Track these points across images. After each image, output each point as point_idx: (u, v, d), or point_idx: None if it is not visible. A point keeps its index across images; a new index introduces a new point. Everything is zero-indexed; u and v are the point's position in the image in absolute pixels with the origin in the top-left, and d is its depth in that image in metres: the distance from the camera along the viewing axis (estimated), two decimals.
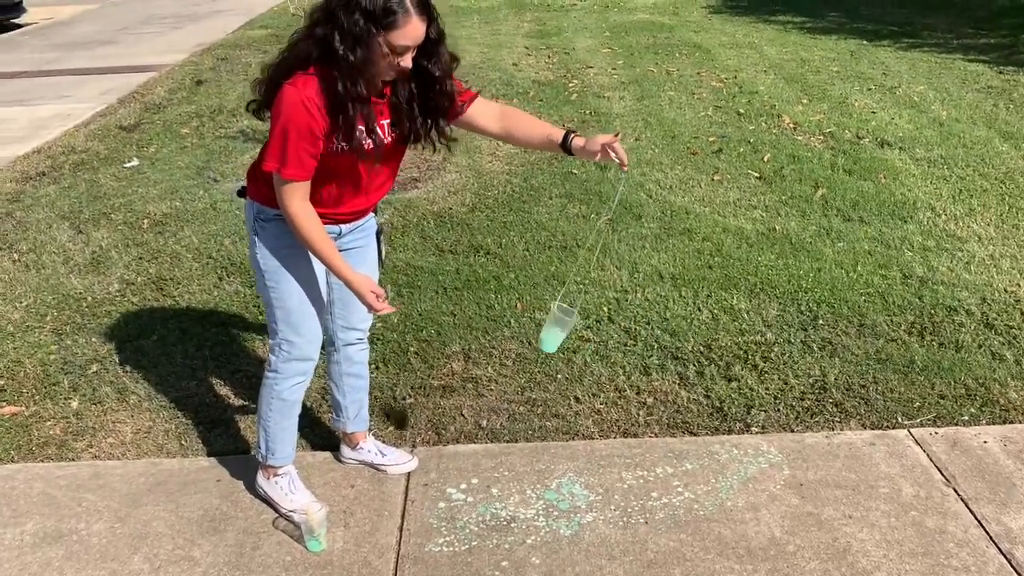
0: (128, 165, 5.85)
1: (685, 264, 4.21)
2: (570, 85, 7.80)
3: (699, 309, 3.79)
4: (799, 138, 6.04)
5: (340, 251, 2.40)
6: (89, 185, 5.50)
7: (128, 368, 3.46)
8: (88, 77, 9.06)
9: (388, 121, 2.24)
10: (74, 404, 3.24)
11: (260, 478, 2.67)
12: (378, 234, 2.59)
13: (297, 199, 2.17)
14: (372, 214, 2.54)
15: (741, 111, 6.74)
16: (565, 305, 2.52)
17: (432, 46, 2.14)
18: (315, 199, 2.23)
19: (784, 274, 4.08)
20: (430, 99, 2.25)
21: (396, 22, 1.99)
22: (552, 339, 2.47)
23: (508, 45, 9.80)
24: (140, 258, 4.44)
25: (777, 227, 4.61)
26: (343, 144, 2.15)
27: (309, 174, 2.16)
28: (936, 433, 2.95)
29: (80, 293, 4.09)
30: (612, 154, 2.27)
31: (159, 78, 8.69)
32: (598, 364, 3.39)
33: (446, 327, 3.68)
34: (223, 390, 3.31)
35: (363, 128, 2.16)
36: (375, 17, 1.98)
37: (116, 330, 3.76)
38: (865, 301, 3.83)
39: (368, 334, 2.74)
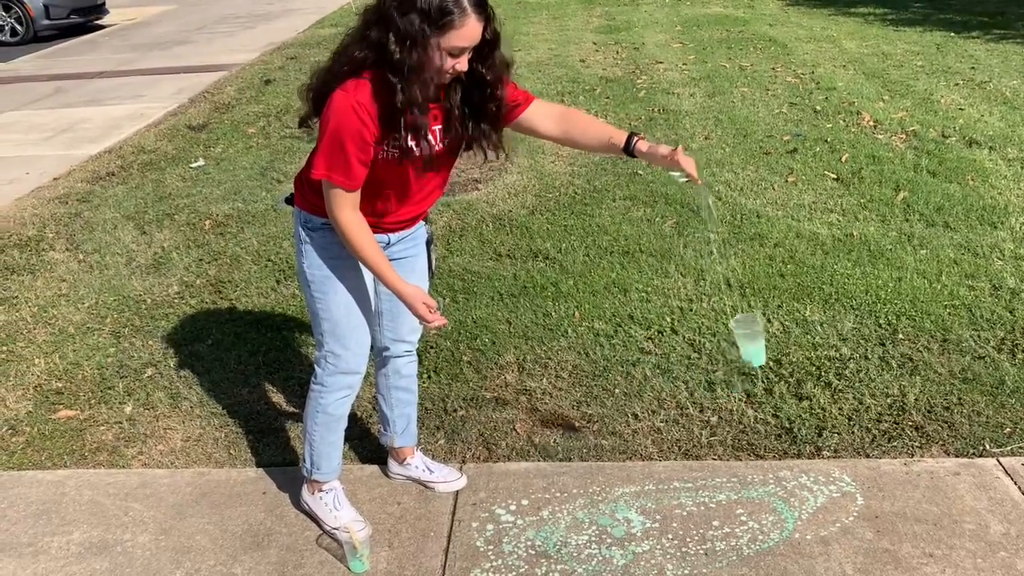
0: (194, 165, 5.90)
1: (755, 272, 4.00)
2: (638, 82, 7.59)
3: (769, 320, 3.59)
4: (879, 137, 5.73)
5: (390, 260, 2.31)
6: (155, 185, 5.56)
7: (182, 373, 3.44)
8: (162, 77, 9.24)
9: (440, 127, 2.14)
10: (127, 409, 3.23)
11: (305, 493, 2.60)
12: (428, 243, 2.49)
13: (347, 208, 2.10)
14: (422, 222, 2.44)
15: (818, 108, 6.44)
16: (740, 317, 2.39)
17: (487, 49, 2.03)
18: (363, 207, 2.15)
19: (861, 284, 3.85)
20: (483, 105, 2.14)
21: (453, 22, 1.89)
22: (757, 351, 2.35)
23: (576, 41, 9.63)
24: (200, 260, 4.44)
25: (855, 232, 4.35)
26: (394, 151, 2.06)
27: (359, 182, 2.07)
28: None
29: (140, 295, 4.11)
30: (678, 167, 2.13)
31: (229, 77, 8.80)
32: (659, 379, 3.23)
33: (501, 336, 3.57)
34: (275, 398, 3.26)
35: (415, 134, 2.06)
36: (431, 17, 1.89)
37: (173, 333, 3.76)
38: (950, 314, 3.58)
39: (417, 346, 2.65)
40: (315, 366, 2.43)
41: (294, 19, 12.86)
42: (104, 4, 13.67)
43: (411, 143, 2.07)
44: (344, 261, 2.27)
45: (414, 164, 2.12)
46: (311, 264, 2.30)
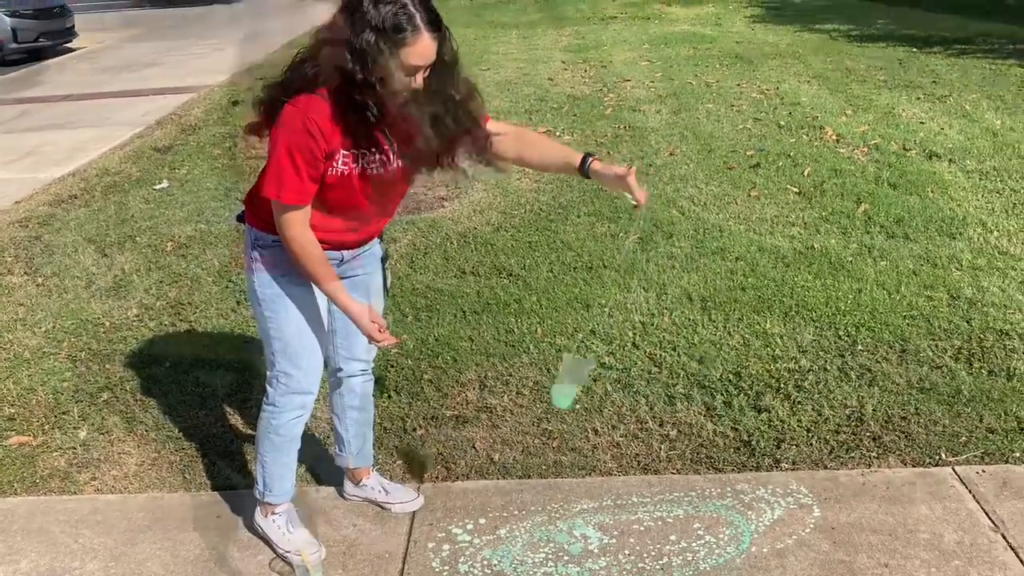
0: (158, 187, 5.85)
1: (716, 285, 4.02)
2: (605, 99, 7.64)
3: (729, 334, 3.60)
4: (842, 151, 5.80)
5: (343, 278, 2.28)
6: (118, 208, 5.51)
7: (139, 396, 3.39)
8: (130, 99, 9.18)
9: (394, 146, 2.12)
10: (82, 434, 3.18)
11: (258, 515, 2.55)
12: (383, 260, 2.47)
13: (296, 224, 2.07)
14: (377, 240, 2.43)
15: (782, 123, 6.51)
16: (579, 357, 2.36)
17: (444, 68, 2.02)
18: (315, 225, 2.13)
19: (821, 295, 3.87)
20: (441, 124, 2.11)
21: (406, 39, 1.89)
22: (566, 394, 2.32)
23: (545, 59, 9.69)
24: (161, 282, 4.40)
25: (816, 245, 4.39)
26: (344, 167, 2.04)
27: (309, 199, 2.06)
28: (984, 472, 2.72)
29: (99, 318, 4.06)
30: (628, 190, 2.12)
31: (197, 99, 8.77)
32: (619, 393, 3.22)
33: (463, 353, 3.55)
34: (232, 420, 3.22)
35: (368, 151, 2.05)
36: (385, 34, 1.88)
37: (131, 356, 3.70)
38: (908, 325, 3.60)
39: (373, 365, 2.62)
40: (267, 386, 2.40)
41: (267, 40, 12.85)
42: (73, 27, 13.60)
43: (365, 160, 2.06)
44: (296, 279, 2.24)
45: (367, 181, 2.11)
46: (262, 283, 2.27)
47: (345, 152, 2.02)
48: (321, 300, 2.33)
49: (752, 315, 3.74)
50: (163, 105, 8.64)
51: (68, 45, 13.61)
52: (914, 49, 9.02)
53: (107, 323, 4.01)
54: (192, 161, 6.49)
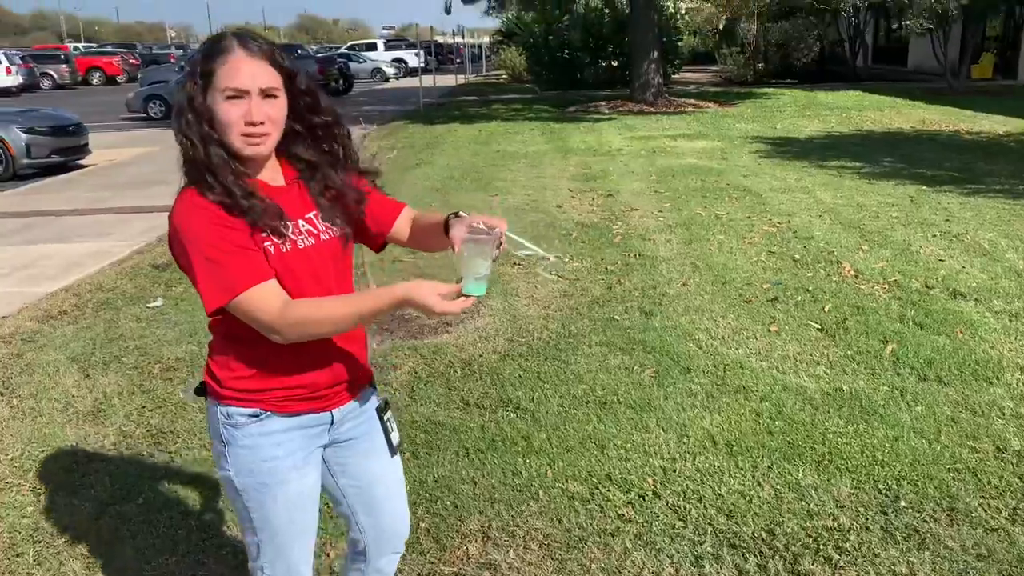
0: (152, 305, 5.64)
1: (741, 428, 3.72)
2: (614, 227, 7.53)
3: (759, 484, 3.28)
4: (862, 287, 5.60)
5: (337, 443, 1.97)
6: (108, 326, 5.27)
7: (104, 537, 3.05)
8: (134, 216, 9.11)
9: (316, 212, 1.85)
10: None
11: None
12: (380, 411, 2.06)
13: (275, 302, 1.68)
14: (370, 388, 2.05)
15: (797, 257, 6.35)
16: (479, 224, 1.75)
17: (303, 96, 1.82)
18: (274, 365, 1.80)
19: (856, 443, 3.56)
20: (333, 159, 1.89)
21: (213, 62, 1.70)
22: (476, 284, 1.69)
23: (552, 187, 9.68)
24: (143, 407, 4.10)
25: (844, 387, 4.11)
26: (272, 244, 1.75)
27: (265, 268, 1.70)
28: None
29: (72, 445, 3.75)
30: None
31: None
32: (641, 551, 2.87)
33: (464, 498, 3.22)
34: (204, 570, 2.87)
35: (281, 223, 1.75)
36: (196, 71, 1.71)
37: (101, 490, 3.38)
38: (954, 479, 3.28)
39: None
40: None
41: None
42: (87, 145, 13.76)
43: (284, 232, 1.76)
44: (283, 460, 1.85)
45: (303, 263, 1.79)
46: (240, 471, 1.85)
47: (254, 231, 1.73)
48: (315, 475, 1.95)
49: (782, 463, 3.42)
50: (165, 223, 8.48)
51: (80, 161, 13.74)
52: (924, 187, 9.00)
53: (80, 452, 3.69)
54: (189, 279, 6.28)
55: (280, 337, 1.70)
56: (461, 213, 1.82)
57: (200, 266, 1.67)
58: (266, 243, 1.74)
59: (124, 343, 4.95)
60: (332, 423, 1.95)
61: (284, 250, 1.76)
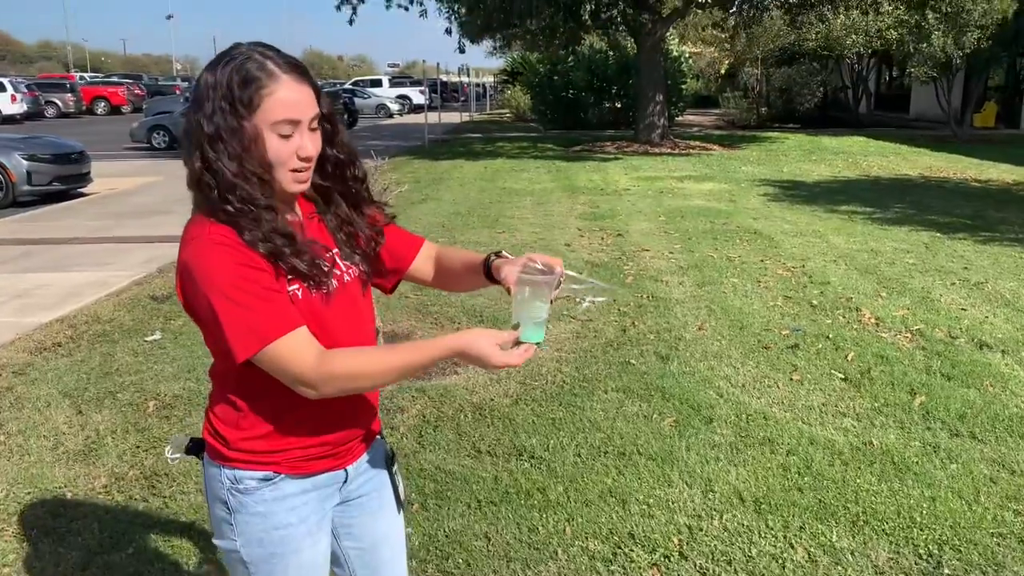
0: (149, 339, 5.45)
1: (769, 484, 3.52)
2: (625, 268, 7.38)
3: (791, 546, 3.07)
4: (884, 335, 5.42)
5: (347, 502, 1.78)
6: (103, 359, 5.07)
7: None
8: (134, 245, 8.95)
9: (336, 252, 1.67)
10: None
11: None
12: (388, 461, 1.87)
13: (311, 353, 1.47)
14: (378, 436, 1.86)
15: (814, 303, 6.18)
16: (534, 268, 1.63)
17: (324, 122, 1.60)
18: (291, 422, 1.60)
19: (891, 503, 3.36)
20: (348, 192, 1.72)
21: (262, 88, 1.46)
22: (535, 329, 1.56)
23: (560, 226, 9.55)
24: (137, 447, 3.90)
25: (874, 441, 3.92)
26: (301, 288, 1.56)
27: (296, 315, 1.50)
28: None
29: (60, 488, 3.54)
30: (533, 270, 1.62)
31: None
32: None
33: (477, 555, 3.01)
34: None
35: (325, 274, 1.58)
36: (234, 94, 1.45)
37: (89, 537, 3.16)
38: (999, 544, 3.08)
39: None
40: None
41: None
42: (89, 173, 13.65)
43: (316, 276, 1.56)
44: (297, 527, 1.65)
45: (331, 308, 1.60)
46: (248, 541, 1.64)
47: (279, 275, 1.53)
48: (324, 547, 1.75)
49: (815, 523, 3.22)
50: (166, 253, 8.37)
51: (82, 190, 13.62)
52: (938, 234, 8.87)
53: (69, 494, 3.49)
54: None
55: (314, 392, 1.49)
56: (504, 253, 1.65)
57: (225, 310, 1.45)
58: (292, 286, 1.55)
59: (119, 378, 4.76)
60: (346, 480, 1.77)
61: (312, 294, 1.58)
